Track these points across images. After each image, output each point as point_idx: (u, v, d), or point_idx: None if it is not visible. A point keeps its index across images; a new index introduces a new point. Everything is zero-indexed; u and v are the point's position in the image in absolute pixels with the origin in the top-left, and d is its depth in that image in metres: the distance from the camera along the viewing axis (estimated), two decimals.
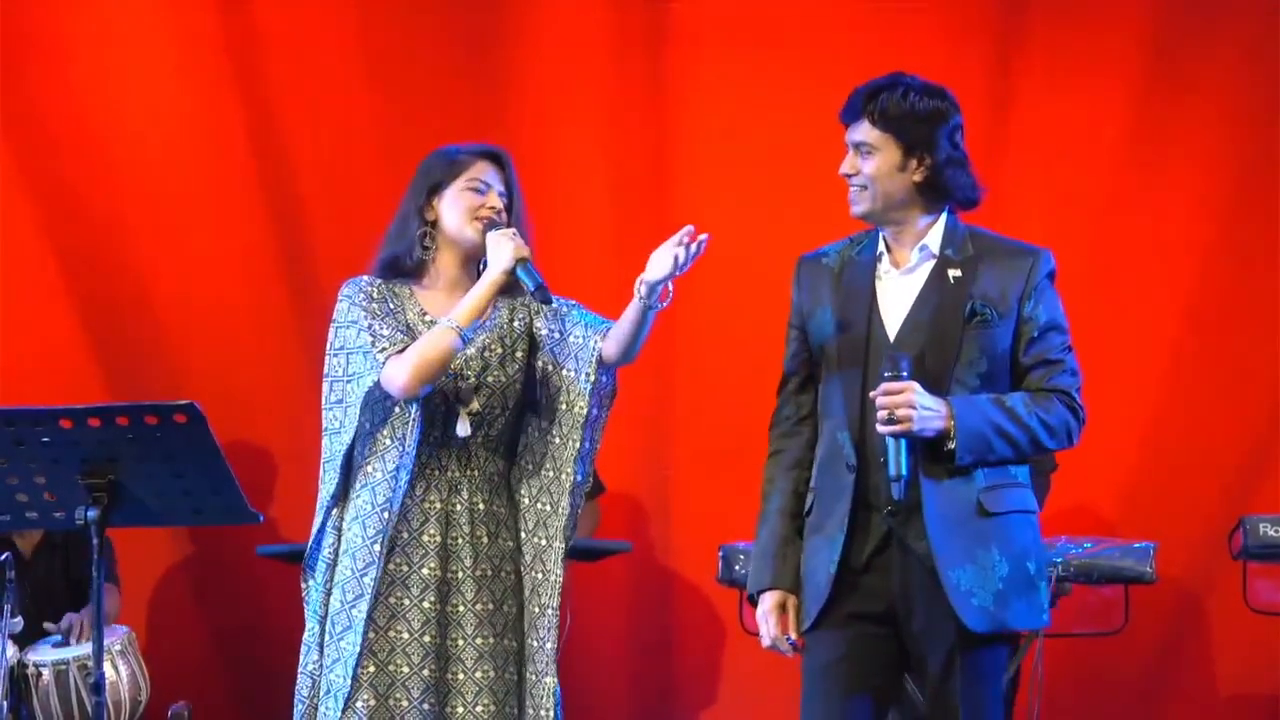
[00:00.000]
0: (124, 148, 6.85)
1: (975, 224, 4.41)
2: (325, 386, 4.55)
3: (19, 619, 5.94)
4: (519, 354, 4.58)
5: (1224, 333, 6.69)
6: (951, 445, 4.16)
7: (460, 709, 4.43)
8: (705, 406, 6.81)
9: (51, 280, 6.86)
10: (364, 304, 4.51)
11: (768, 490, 4.41)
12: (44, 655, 6.17)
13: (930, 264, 4.30)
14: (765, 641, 4.36)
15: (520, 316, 4.60)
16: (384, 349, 4.44)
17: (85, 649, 6.13)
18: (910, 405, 4.12)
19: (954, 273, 4.27)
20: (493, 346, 4.55)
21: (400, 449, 4.44)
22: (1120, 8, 6.76)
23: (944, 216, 4.32)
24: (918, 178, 4.29)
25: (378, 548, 4.43)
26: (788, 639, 4.33)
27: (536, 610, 4.52)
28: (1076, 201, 6.71)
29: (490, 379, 4.52)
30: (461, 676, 4.44)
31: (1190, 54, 6.70)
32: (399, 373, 4.40)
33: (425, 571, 4.45)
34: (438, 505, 4.48)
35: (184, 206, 6.82)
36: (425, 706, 4.40)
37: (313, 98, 6.84)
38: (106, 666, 6.00)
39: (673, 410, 6.85)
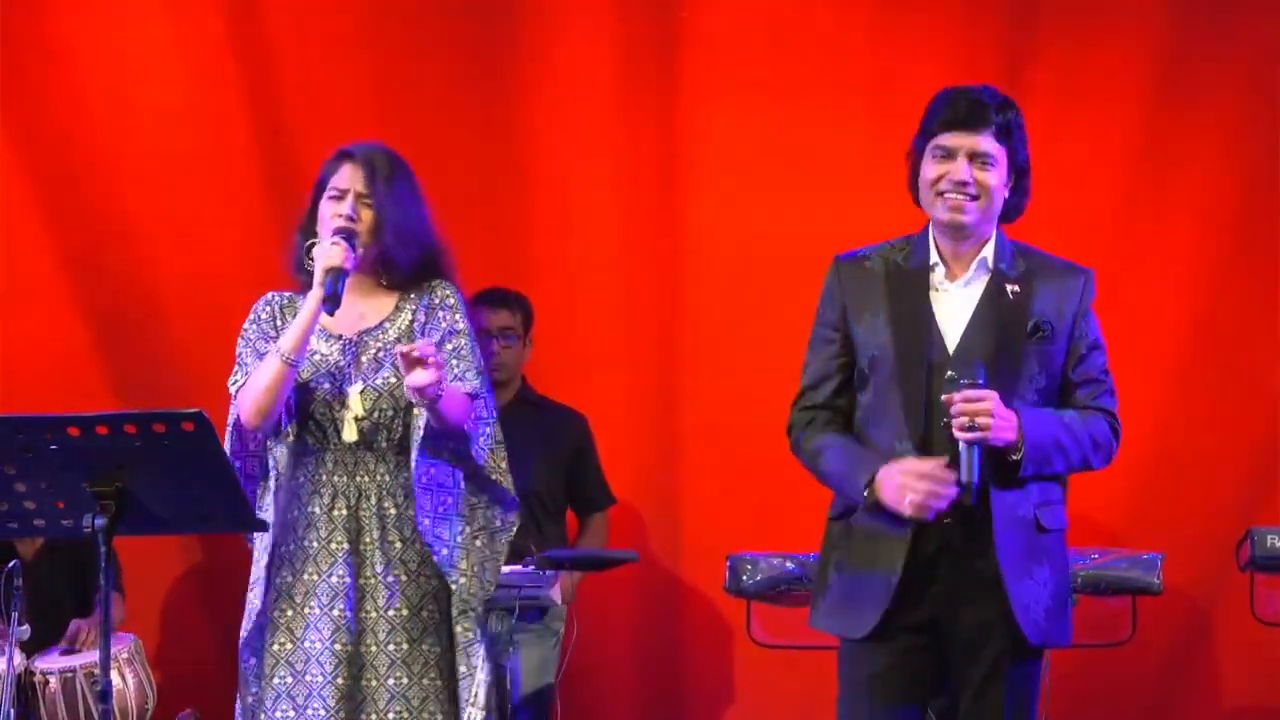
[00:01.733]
0: (131, 154, 6.86)
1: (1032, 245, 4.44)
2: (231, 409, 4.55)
3: (26, 627, 5.95)
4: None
5: (1231, 344, 6.69)
6: (1017, 456, 4.17)
7: (373, 716, 4.39)
8: (712, 416, 6.81)
9: (59, 287, 6.87)
10: (250, 324, 4.53)
11: (816, 436, 4.31)
12: (51, 663, 6.18)
13: (985, 278, 4.31)
14: (920, 501, 4.13)
15: (420, 319, 4.50)
16: (235, 381, 4.45)
17: (92, 657, 6.13)
18: (990, 414, 4.12)
19: (1012, 289, 4.28)
20: (389, 346, 4.47)
21: (278, 462, 4.45)
22: (1128, 25, 6.76)
23: (996, 231, 4.34)
24: (1007, 194, 4.31)
25: (264, 564, 4.47)
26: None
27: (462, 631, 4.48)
28: (1084, 215, 6.71)
29: (379, 381, 4.43)
30: (374, 683, 4.40)
31: (1197, 70, 6.71)
32: (240, 406, 4.40)
33: (334, 579, 4.40)
34: (344, 512, 4.42)
35: (192, 214, 6.83)
36: (341, 715, 4.36)
37: (321, 106, 6.84)
38: (113, 674, 6.02)
39: (680, 420, 6.85)
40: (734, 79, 6.85)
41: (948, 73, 6.68)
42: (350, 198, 4.45)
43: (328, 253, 4.36)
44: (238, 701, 4.56)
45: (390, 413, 4.41)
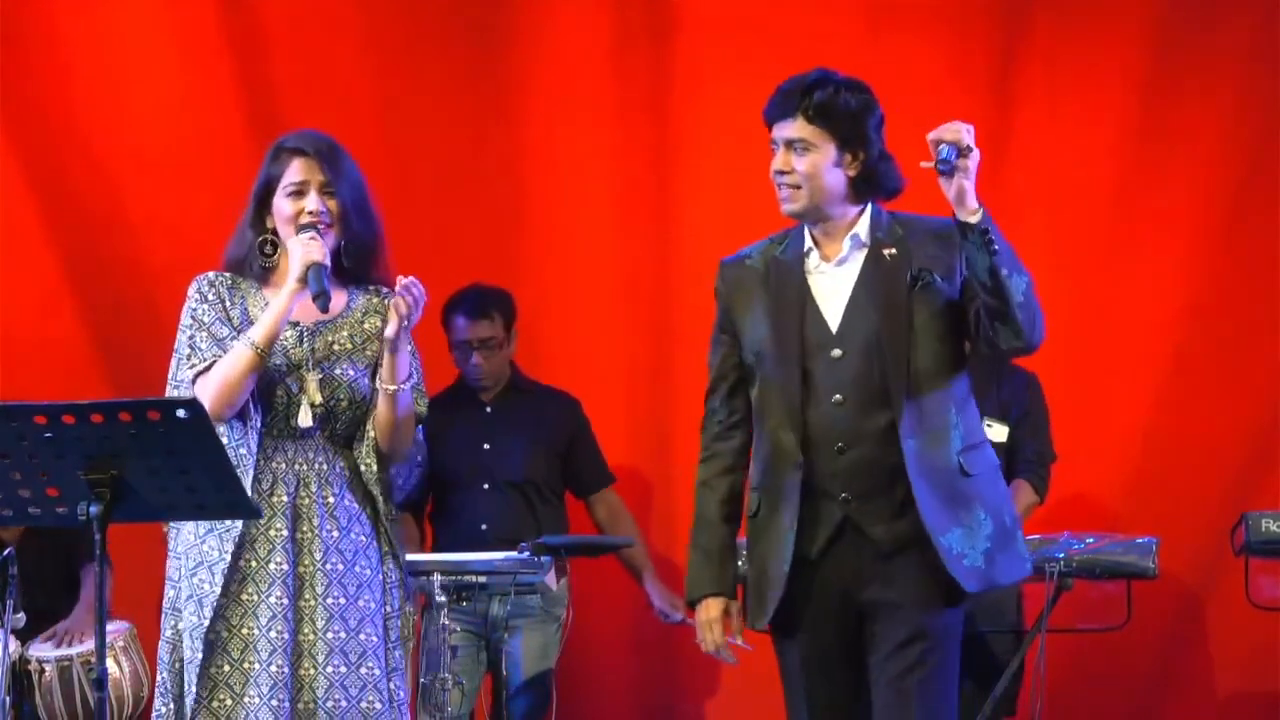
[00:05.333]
0: (126, 146, 6.86)
1: (911, 212, 4.43)
2: (170, 390, 4.50)
3: (22, 615, 5.94)
4: (369, 353, 4.48)
5: (1226, 329, 6.69)
6: (975, 218, 4.10)
7: (311, 704, 4.37)
8: None
9: (54, 277, 6.87)
10: (195, 305, 4.48)
11: (704, 494, 4.44)
12: (47, 651, 6.18)
13: (863, 251, 4.33)
14: (708, 648, 4.40)
15: (373, 320, 4.51)
16: (193, 365, 4.41)
17: (88, 645, 6.13)
18: (958, 128, 4.07)
19: (889, 252, 4.30)
20: (342, 341, 4.48)
21: (236, 448, 4.41)
22: (1122, 7, 6.77)
23: (869, 207, 4.35)
24: (852, 172, 4.31)
25: (210, 545, 4.44)
26: (730, 641, 4.38)
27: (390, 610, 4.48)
28: (1080, 200, 6.71)
29: (337, 372, 4.44)
30: (313, 671, 4.38)
31: (1192, 54, 6.71)
32: (203, 394, 4.35)
33: (272, 567, 4.38)
34: (284, 499, 4.40)
35: (186, 204, 6.82)
36: (274, 702, 4.33)
37: (316, 96, 6.84)
38: (109, 662, 6.01)
39: (675, 405, 6.85)
40: (726, 65, 6.85)
41: (941, 57, 6.69)
42: (313, 191, 4.45)
43: (307, 248, 4.36)
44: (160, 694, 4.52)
45: (345, 403, 4.42)
